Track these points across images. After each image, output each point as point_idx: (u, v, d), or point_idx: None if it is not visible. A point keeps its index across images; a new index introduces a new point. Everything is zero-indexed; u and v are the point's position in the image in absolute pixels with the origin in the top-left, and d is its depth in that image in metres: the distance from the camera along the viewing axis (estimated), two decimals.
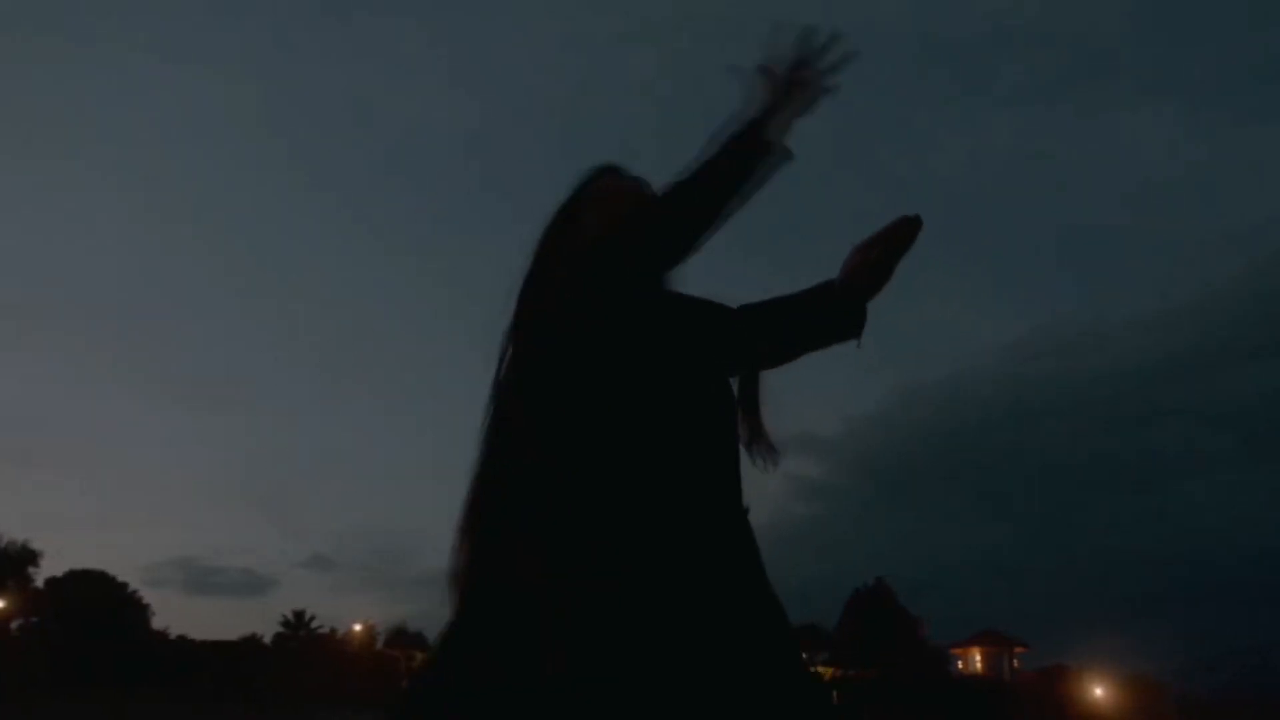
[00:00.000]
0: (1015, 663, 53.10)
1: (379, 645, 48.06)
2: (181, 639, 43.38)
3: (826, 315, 1.60)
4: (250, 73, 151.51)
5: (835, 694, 42.37)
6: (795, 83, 1.47)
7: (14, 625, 44.20)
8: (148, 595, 49.86)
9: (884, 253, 1.57)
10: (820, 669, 44.22)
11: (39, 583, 46.06)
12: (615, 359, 1.48)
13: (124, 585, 47.61)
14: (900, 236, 1.55)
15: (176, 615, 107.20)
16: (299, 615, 51.56)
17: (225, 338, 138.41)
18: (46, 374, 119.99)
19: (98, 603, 43.32)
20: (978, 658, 53.57)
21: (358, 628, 48.68)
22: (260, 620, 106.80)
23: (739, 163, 1.45)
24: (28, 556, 46.35)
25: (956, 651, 54.53)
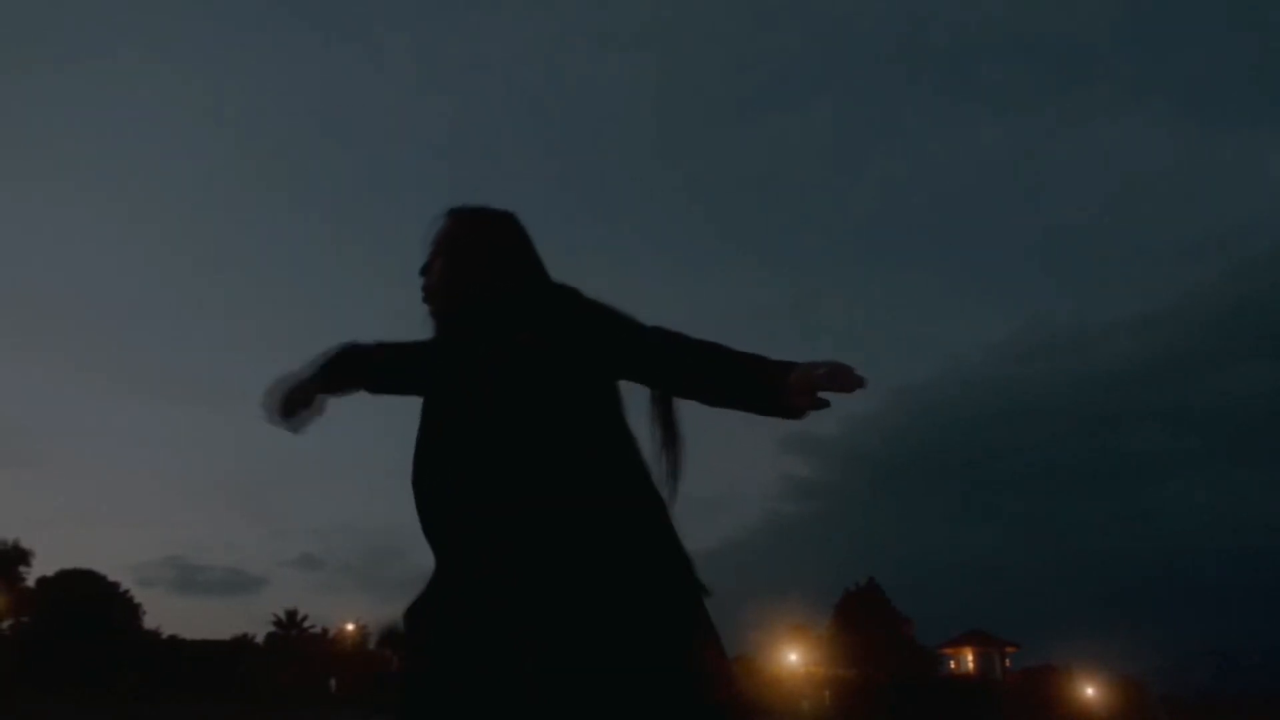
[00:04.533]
0: (1007, 662, 53.21)
1: (371, 645, 47.98)
2: (174, 639, 43.25)
3: (768, 392, 1.57)
4: (223, 74, 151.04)
5: (826, 694, 42.42)
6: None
7: (5, 624, 44.04)
8: (138, 595, 49.76)
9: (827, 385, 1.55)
10: (811, 669, 44.23)
11: (30, 582, 45.92)
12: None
13: (115, 584, 47.50)
14: (842, 386, 1.53)
15: (167, 614, 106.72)
16: (291, 615, 51.49)
17: (212, 336, 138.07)
18: (33, 375, 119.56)
19: (89, 602, 43.17)
20: (969, 658, 53.66)
21: (350, 627, 48.58)
22: (251, 620, 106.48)
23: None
24: (19, 556, 46.20)
25: (948, 651, 54.61)
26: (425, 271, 1.85)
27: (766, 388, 1.55)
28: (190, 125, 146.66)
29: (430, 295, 1.85)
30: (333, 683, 37.11)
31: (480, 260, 1.81)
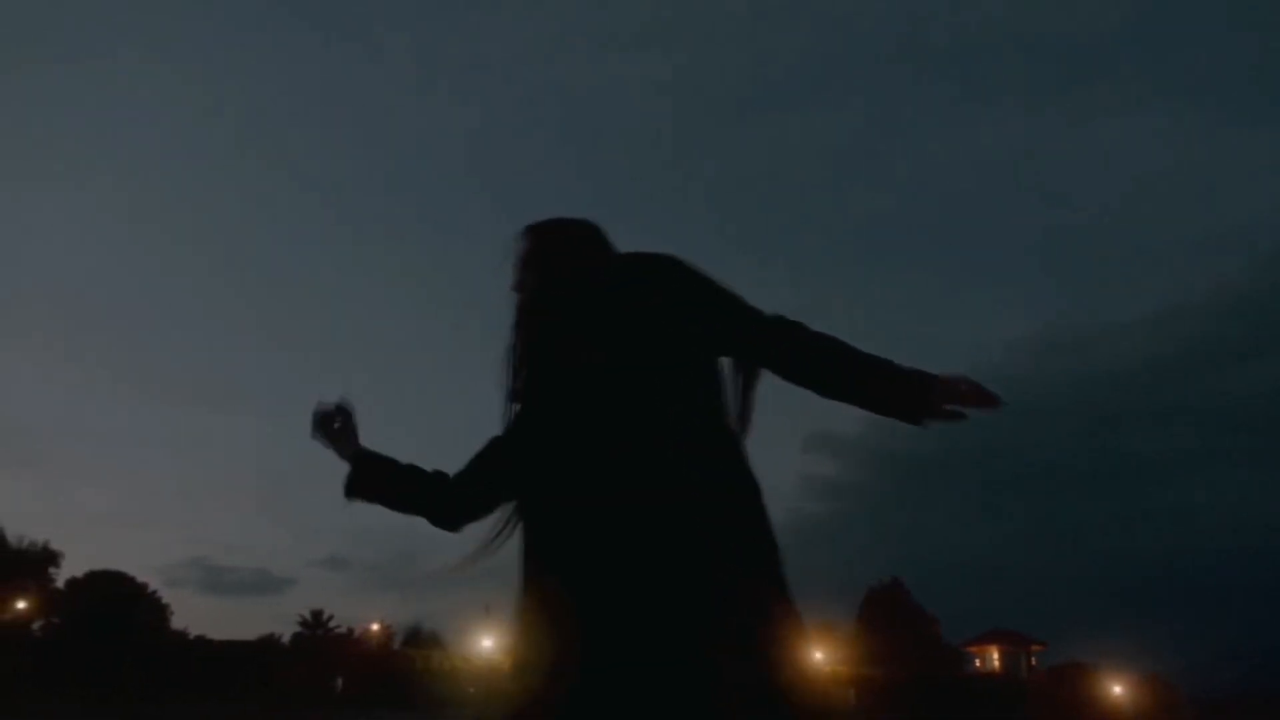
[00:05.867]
0: (1033, 660, 52.89)
1: (396, 645, 48.23)
2: (201, 639, 43.60)
3: (905, 397, 1.62)
4: (226, 73, 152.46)
5: (851, 692, 42.29)
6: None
7: (35, 626, 44.54)
8: (165, 595, 50.19)
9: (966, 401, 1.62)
10: (836, 668, 44.10)
11: (59, 583, 46.43)
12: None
13: (144, 585, 47.97)
14: (982, 402, 1.60)
15: (194, 615, 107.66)
16: (317, 615, 51.83)
17: (233, 338, 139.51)
18: (60, 380, 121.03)
19: (118, 603, 43.61)
20: (995, 656, 53.37)
21: (375, 627, 48.85)
22: (276, 620, 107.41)
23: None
24: (48, 557, 46.72)
25: (973, 650, 54.34)
26: (519, 287, 1.87)
27: (904, 393, 1.60)
28: (200, 127, 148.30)
29: (526, 308, 1.85)
30: (339, 682, 37.34)
31: (566, 259, 1.83)
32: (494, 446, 1.84)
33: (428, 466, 1.91)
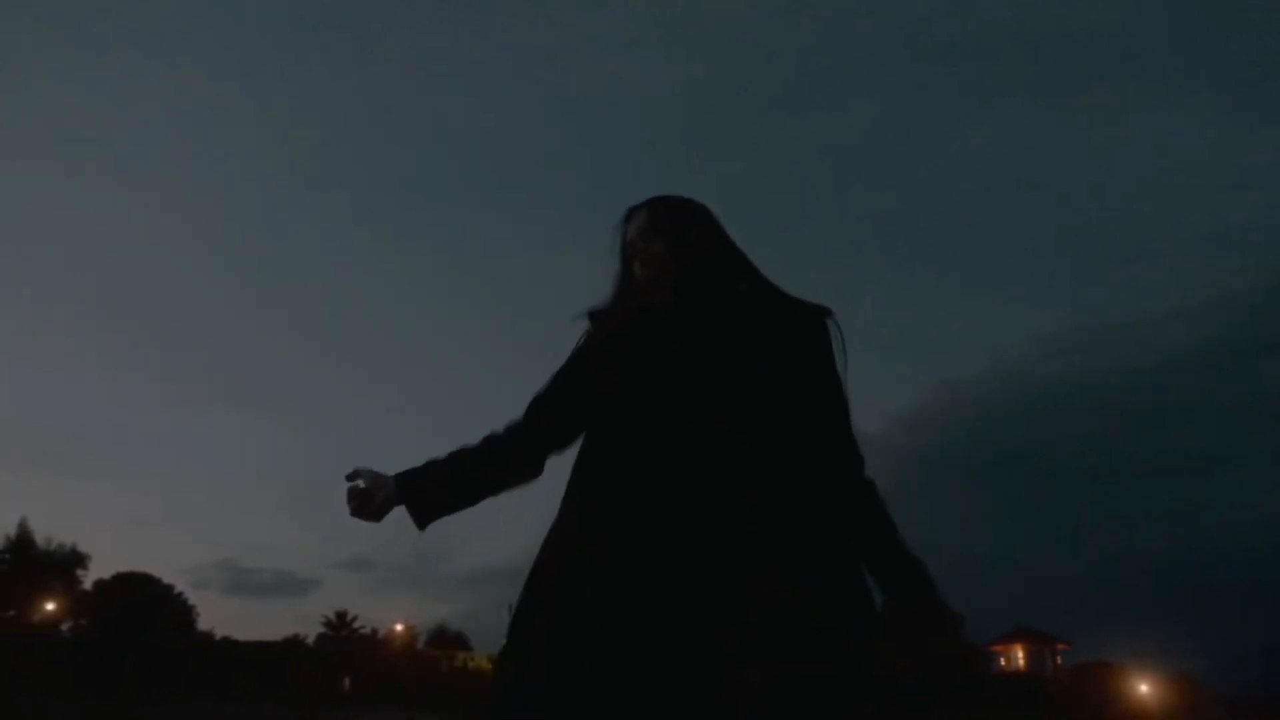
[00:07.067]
0: (1058, 659, 52.46)
1: (420, 645, 48.38)
2: (226, 640, 43.92)
3: (912, 596, 1.68)
4: (257, 76, 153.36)
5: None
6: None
7: (64, 627, 44.98)
8: (191, 597, 50.59)
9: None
10: None
11: (87, 585, 46.89)
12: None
13: (170, 587, 48.37)
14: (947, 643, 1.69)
15: (220, 616, 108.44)
16: (341, 616, 52.09)
17: (258, 340, 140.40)
18: (86, 383, 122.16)
19: (144, 605, 43.98)
20: (1020, 655, 52.97)
21: (399, 628, 49.01)
22: (301, 621, 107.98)
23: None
24: (76, 559, 47.19)
25: (998, 649, 53.94)
26: (642, 261, 1.73)
27: (914, 593, 1.68)
28: (222, 128, 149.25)
29: (651, 284, 1.71)
30: (346, 682, 37.50)
31: (701, 235, 1.73)
32: (561, 382, 1.76)
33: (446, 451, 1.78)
